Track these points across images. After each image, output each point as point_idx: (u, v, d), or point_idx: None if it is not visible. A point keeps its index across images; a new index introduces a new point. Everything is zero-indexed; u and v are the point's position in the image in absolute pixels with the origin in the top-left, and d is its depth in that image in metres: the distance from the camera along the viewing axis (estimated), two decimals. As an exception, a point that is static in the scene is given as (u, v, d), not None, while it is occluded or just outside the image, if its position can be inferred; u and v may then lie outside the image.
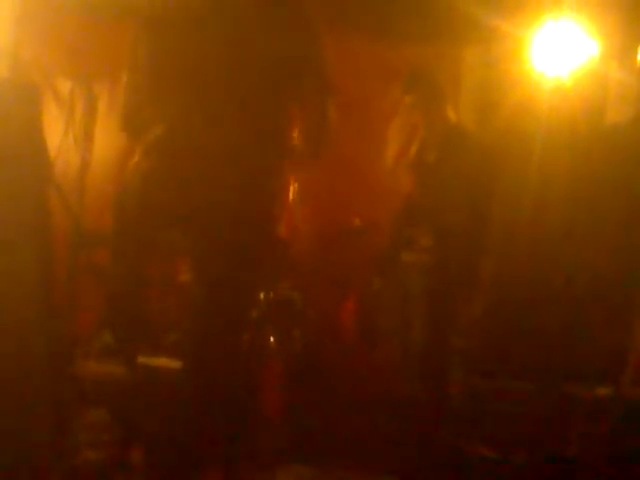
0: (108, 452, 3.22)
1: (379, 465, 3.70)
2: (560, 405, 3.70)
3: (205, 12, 2.86)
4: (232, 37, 2.84)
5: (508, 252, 4.15)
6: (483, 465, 3.71)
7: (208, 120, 2.83)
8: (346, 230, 5.23)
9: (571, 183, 3.97)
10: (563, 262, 3.92)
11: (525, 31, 4.44)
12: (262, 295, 3.75)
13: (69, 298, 3.80)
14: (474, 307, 4.18)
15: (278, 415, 3.85)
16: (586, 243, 3.80)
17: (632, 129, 3.99)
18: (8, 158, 2.98)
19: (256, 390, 3.61)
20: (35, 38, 4.45)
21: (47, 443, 2.99)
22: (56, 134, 3.94)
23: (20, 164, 3.02)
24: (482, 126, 5.05)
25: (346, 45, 4.57)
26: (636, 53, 4.26)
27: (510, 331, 3.98)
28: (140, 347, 3.13)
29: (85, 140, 4.18)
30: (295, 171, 3.19)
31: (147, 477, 3.17)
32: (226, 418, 2.90)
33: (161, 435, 3.04)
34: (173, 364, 3.28)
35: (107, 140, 3.99)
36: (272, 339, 3.94)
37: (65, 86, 4.52)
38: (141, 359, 3.13)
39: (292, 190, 3.35)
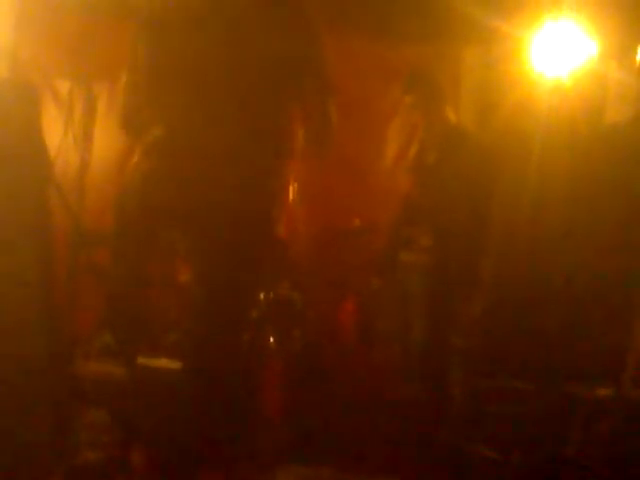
0: (108, 452, 3.21)
1: (379, 465, 3.69)
2: (560, 405, 3.69)
3: (205, 12, 2.86)
4: (232, 37, 2.84)
5: (507, 252, 4.14)
6: (483, 465, 3.70)
7: (208, 120, 2.83)
8: (345, 230, 5.24)
9: (570, 183, 3.95)
10: (563, 262, 3.91)
11: (524, 31, 4.44)
12: (262, 295, 3.75)
13: (69, 298, 3.80)
14: (474, 307, 4.18)
15: (278, 415, 3.85)
16: (586, 243, 3.79)
17: (632, 129, 3.97)
18: (8, 158, 2.98)
19: (256, 390, 3.60)
20: (34, 38, 4.44)
21: (47, 443, 2.99)
22: (55, 134, 3.94)
23: (20, 164, 3.02)
24: (482, 126, 5.06)
25: (346, 45, 4.57)
26: (636, 53, 4.25)
27: (510, 331, 3.97)
28: (140, 347, 3.13)
29: (84, 140, 4.18)
30: (295, 171, 3.19)
31: (147, 477, 3.16)
32: (226, 418, 2.90)
33: (161, 435, 3.04)
34: (173, 364, 3.27)
35: (107, 140, 3.99)
36: (272, 339, 3.94)
37: (64, 86, 4.53)
38: (141, 359, 3.12)
39: (292, 190, 3.34)
